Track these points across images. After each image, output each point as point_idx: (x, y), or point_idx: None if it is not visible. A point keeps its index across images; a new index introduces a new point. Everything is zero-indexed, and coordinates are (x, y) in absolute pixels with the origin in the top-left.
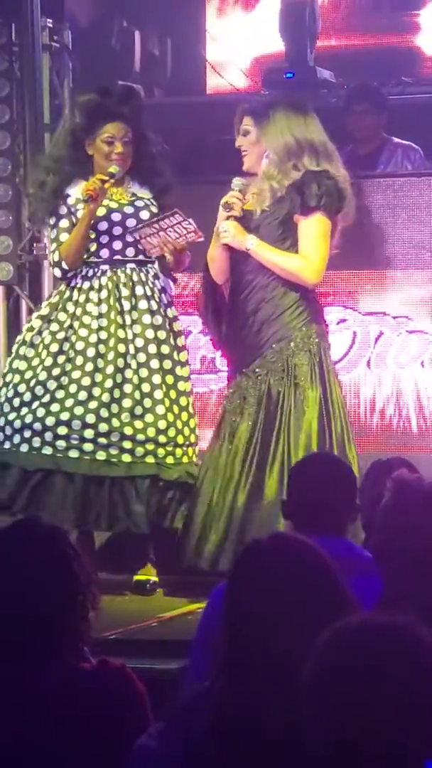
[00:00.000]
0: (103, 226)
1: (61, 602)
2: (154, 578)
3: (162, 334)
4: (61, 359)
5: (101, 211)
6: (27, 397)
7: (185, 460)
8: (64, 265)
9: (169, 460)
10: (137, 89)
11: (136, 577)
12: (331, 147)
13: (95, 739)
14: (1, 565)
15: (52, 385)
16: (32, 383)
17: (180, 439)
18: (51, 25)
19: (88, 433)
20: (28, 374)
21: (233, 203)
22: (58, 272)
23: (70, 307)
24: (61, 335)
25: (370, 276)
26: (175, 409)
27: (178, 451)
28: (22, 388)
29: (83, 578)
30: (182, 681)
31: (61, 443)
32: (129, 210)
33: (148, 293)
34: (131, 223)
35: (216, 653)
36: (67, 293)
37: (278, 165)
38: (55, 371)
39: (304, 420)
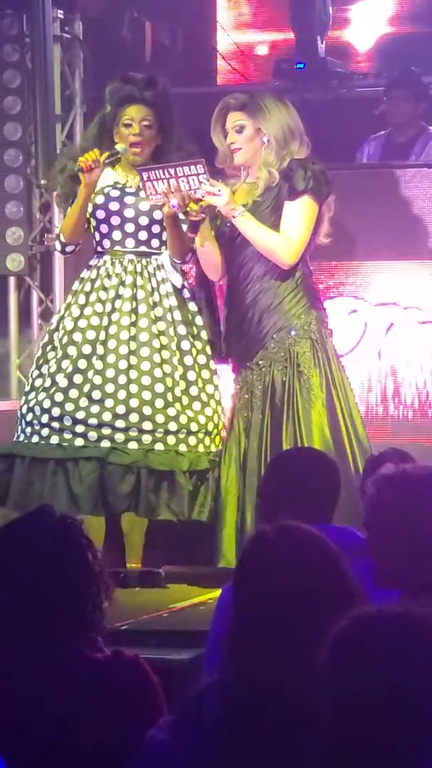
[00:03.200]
0: (101, 214)
1: (75, 592)
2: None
3: (144, 323)
4: (48, 349)
5: (100, 199)
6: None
7: (190, 447)
8: (62, 238)
9: (133, 445)
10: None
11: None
12: (306, 137)
13: (109, 729)
14: (15, 555)
15: (34, 374)
16: (33, 375)
17: (172, 426)
18: (62, 16)
19: (44, 418)
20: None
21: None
22: (58, 245)
23: (70, 297)
24: (53, 326)
25: (380, 266)
26: (168, 397)
27: (171, 438)
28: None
29: (97, 568)
30: (198, 676)
31: (28, 429)
32: (129, 200)
33: (139, 283)
34: (129, 213)
35: (225, 643)
36: (75, 283)
37: (278, 152)
38: (40, 360)
39: (313, 407)
